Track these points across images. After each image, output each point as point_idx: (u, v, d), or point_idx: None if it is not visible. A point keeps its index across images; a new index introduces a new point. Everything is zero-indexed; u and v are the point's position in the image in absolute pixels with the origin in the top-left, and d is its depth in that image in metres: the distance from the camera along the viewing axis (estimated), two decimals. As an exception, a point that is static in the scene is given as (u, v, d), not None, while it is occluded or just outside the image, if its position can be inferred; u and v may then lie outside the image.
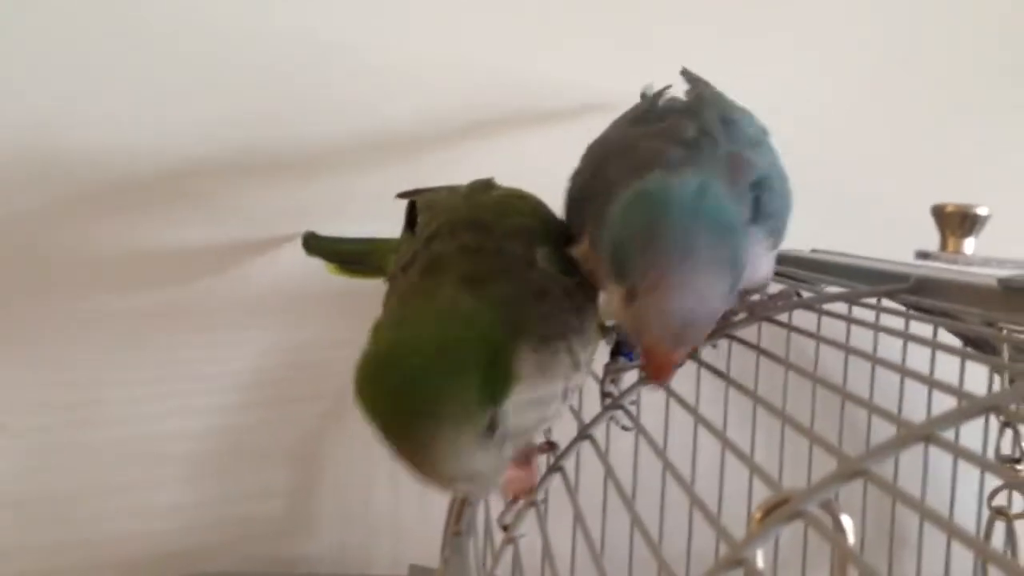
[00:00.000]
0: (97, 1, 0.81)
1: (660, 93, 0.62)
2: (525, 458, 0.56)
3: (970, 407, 0.35)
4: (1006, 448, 0.77)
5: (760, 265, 0.55)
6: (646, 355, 0.47)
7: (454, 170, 0.62)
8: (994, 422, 0.79)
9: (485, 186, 0.62)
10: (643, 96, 0.63)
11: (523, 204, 0.59)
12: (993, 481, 0.79)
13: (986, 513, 0.79)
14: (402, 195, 0.73)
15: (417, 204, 0.67)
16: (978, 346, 0.71)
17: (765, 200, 0.52)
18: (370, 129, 0.87)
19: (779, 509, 0.34)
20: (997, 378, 0.79)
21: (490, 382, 0.46)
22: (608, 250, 0.47)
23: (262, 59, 0.85)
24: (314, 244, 0.82)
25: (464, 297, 0.50)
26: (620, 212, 0.47)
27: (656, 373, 0.47)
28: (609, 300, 0.50)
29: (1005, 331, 0.56)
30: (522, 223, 0.56)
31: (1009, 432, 0.77)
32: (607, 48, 0.88)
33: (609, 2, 0.90)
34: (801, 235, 0.86)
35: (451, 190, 0.65)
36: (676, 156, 0.52)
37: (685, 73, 0.64)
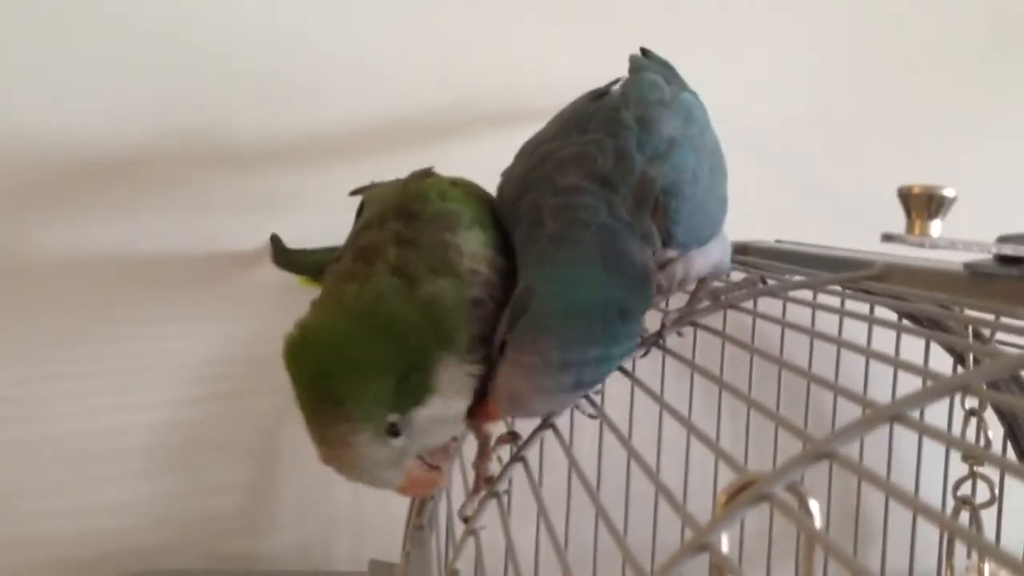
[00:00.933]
0: None
1: (604, 91, 0.62)
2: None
3: (937, 386, 0.34)
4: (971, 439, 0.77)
5: (694, 262, 0.57)
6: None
7: (437, 166, 0.62)
8: (959, 413, 0.79)
9: (422, 175, 0.61)
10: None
11: (455, 191, 0.58)
12: (957, 472, 0.79)
13: (951, 503, 0.79)
14: (354, 192, 0.72)
15: (364, 198, 0.67)
16: (943, 332, 0.71)
17: (674, 208, 0.54)
18: (346, 122, 0.86)
19: (744, 492, 0.33)
20: (961, 369, 0.79)
21: (401, 389, 0.48)
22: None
23: (236, 47, 0.83)
24: (283, 260, 0.81)
25: (393, 294, 0.50)
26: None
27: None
28: None
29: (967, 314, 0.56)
30: (451, 208, 0.55)
31: (974, 421, 0.78)
32: (587, 43, 0.87)
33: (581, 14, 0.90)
34: (767, 226, 0.87)
35: (394, 182, 0.65)
36: (592, 207, 0.53)
37: (632, 60, 0.64)
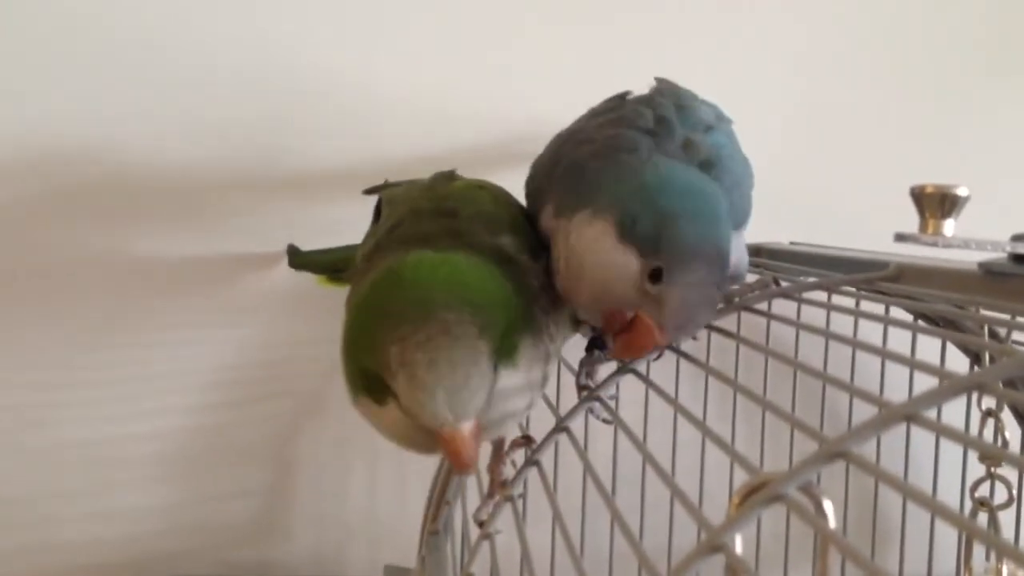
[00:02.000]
0: (95, 9, 0.80)
1: (621, 94, 0.63)
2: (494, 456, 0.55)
3: (952, 385, 0.34)
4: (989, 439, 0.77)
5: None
6: (635, 326, 0.49)
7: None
8: (976, 414, 0.79)
9: (447, 177, 0.61)
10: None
11: (484, 194, 0.58)
12: (974, 472, 0.79)
13: (969, 505, 0.79)
14: (368, 191, 0.72)
15: (382, 198, 0.66)
16: (958, 332, 0.71)
17: (720, 181, 0.54)
18: (359, 150, 0.86)
19: (758, 493, 0.33)
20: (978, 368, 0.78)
21: (502, 340, 0.45)
22: (636, 218, 0.48)
23: (263, 74, 0.84)
24: (299, 260, 0.80)
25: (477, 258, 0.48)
26: (658, 187, 0.50)
27: (637, 344, 0.50)
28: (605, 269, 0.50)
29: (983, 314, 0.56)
30: (486, 210, 0.55)
31: (991, 422, 0.77)
32: (586, 79, 0.87)
33: (581, 31, 0.90)
34: (781, 228, 0.86)
35: (412, 183, 0.64)
36: (638, 139, 0.54)
37: (657, 79, 0.64)
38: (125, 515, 0.85)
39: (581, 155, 0.55)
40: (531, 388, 0.50)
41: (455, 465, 0.45)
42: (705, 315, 0.51)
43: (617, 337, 0.51)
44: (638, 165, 0.52)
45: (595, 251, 0.50)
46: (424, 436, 0.45)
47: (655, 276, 0.48)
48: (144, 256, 0.83)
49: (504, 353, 0.46)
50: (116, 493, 0.85)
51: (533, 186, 0.59)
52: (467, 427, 0.44)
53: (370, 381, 0.46)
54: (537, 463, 0.58)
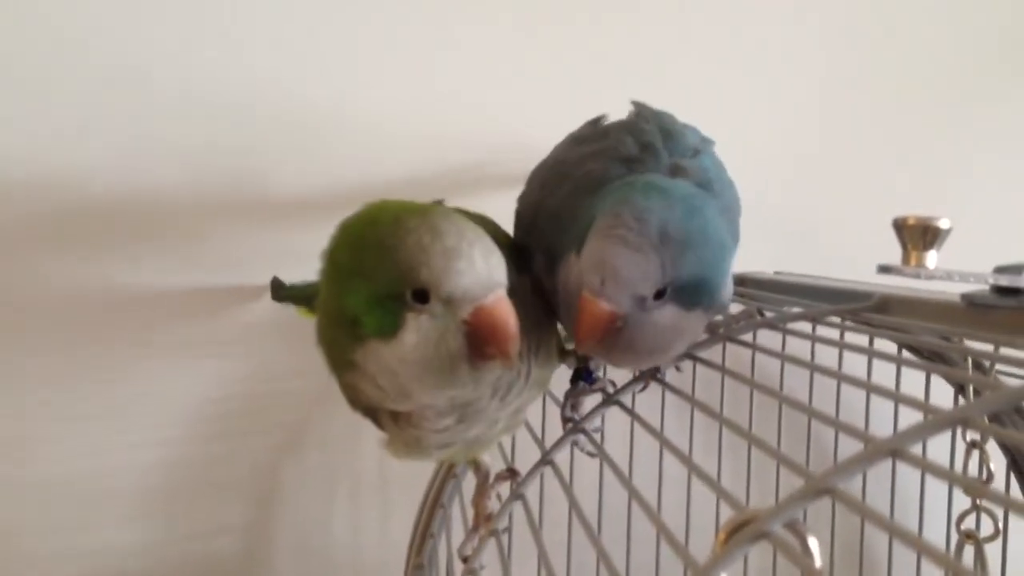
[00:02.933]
0: (78, 39, 0.79)
1: (600, 118, 0.63)
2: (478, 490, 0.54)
3: (937, 420, 0.34)
4: (973, 473, 0.76)
5: None
6: (578, 306, 0.47)
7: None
8: (960, 445, 0.79)
9: (435, 204, 0.62)
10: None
11: (471, 218, 0.58)
12: (961, 504, 0.79)
13: (955, 537, 0.78)
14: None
15: None
16: (942, 363, 0.71)
17: None
18: (343, 179, 0.86)
19: (743, 530, 0.33)
20: (962, 400, 0.78)
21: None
22: (582, 236, 0.48)
23: (242, 106, 0.83)
24: (283, 292, 0.80)
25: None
26: (600, 202, 0.50)
27: (583, 324, 0.47)
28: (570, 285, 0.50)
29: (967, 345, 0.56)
30: None
31: (976, 455, 0.77)
32: (590, 103, 0.88)
33: (563, 55, 0.91)
34: (764, 258, 0.87)
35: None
36: (613, 171, 0.54)
37: (634, 103, 0.64)
38: (106, 551, 0.83)
39: (558, 199, 0.55)
40: (525, 322, 0.50)
41: (502, 340, 0.45)
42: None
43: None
44: (605, 194, 0.51)
45: (567, 282, 0.50)
46: (450, 341, 0.45)
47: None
48: (124, 288, 0.82)
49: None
50: (96, 529, 0.83)
51: (521, 228, 0.60)
52: (505, 298, 0.45)
53: (376, 311, 0.45)
54: (522, 497, 0.58)
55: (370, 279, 0.45)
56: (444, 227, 0.44)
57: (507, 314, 0.45)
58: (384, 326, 0.45)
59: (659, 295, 0.47)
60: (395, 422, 0.53)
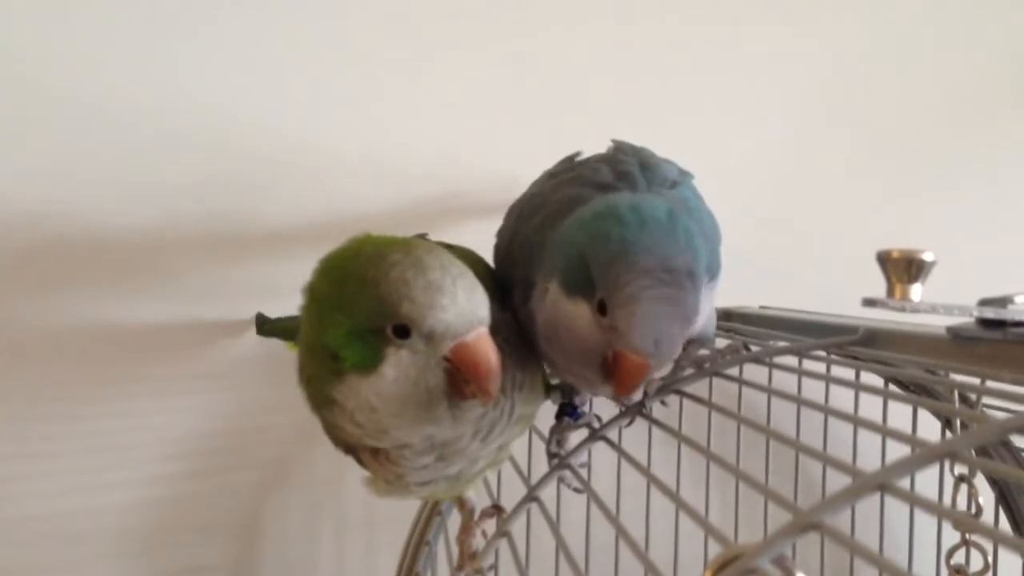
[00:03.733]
0: (63, 76, 0.79)
1: (575, 155, 0.64)
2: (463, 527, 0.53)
3: (924, 454, 0.34)
4: (962, 506, 0.76)
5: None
6: (617, 364, 0.47)
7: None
8: (949, 479, 0.78)
9: (419, 239, 0.62)
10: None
11: (451, 252, 0.58)
12: (950, 538, 0.78)
13: (945, 573, 0.78)
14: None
15: None
16: (929, 396, 0.71)
17: None
18: (327, 213, 0.86)
19: (730, 566, 0.32)
20: (950, 434, 0.78)
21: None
22: (565, 266, 0.48)
23: (226, 143, 0.83)
24: (268, 327, 0.79)
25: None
26: (581, 227, 0.49)
27: (628, 381, 0.47)
28: (569, 325, 0.49)
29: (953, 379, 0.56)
30: None
31: (964, 489, 0.76)
32: (565, 140, 0.89)
33: (547, 97, 0.92)
34: (750, 293, 0.87)
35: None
36: (586, 195, 0.54)
37: (614, 141, 0.65)
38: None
39: (531, 229, 0.55)
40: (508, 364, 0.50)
41: (483, 377, 0.44)
42: (674, 319, 0.47)
43: (610, 382, 0.50)
44: (574, 218, 0.51)
45: (557, 316, 0.49)
46: (430, 377, 0.44)
47: (602, 309, 0.47)
48: (104, 325, 0.81)
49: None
50: (76, 569, 0.81)
51: (499, 261, 0.60)
52: (487, 335, 0.44)
53: (356, 345, 0.44)
54: (507, 534, 0.57)
55: (351, 312, 0.44)
56: (428, 262, 0.43)
57: (488, 351, 0.44)
58: (364, 360, 0.45)
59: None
60: (375, 459, 0.52)
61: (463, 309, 0.43)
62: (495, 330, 0.47)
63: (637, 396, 0.57)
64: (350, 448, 0.53)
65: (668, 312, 0.46)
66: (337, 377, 0.46)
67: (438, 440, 0.50)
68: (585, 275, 0.47)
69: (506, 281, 0.57)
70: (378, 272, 0.43)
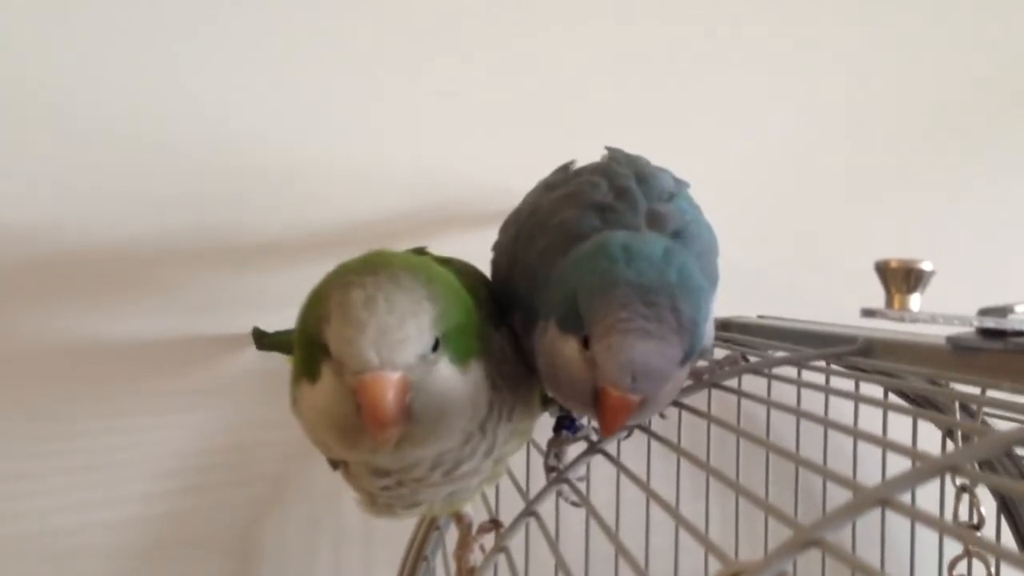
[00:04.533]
0: (54, 90, 0.79)
1: (569, 163, 0.63)
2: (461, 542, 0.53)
3: (925, 468, 0.33)
4: (964, 516, 0.75)
5: None
6: (600, 400, 0.46)
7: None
8: (951, 489, 0.78)
9: (415, 252, 0.61)
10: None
11: (449, 267, 0.57)
12: (952, 549, 0.78)
13: (947, 583, 0.77)
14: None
15: None
16: (929, 407, 0.70)
17: (689, 249, 0.52)
18: (320, 224, 0.85)
19: (730, 584, 0.32)
20: (951, 444, 0.78)
21: (452, 334, 0.45)
22: (561, 303, 0.48)
23: (222, 155, 0.83)
24: (266, 340, 0.79)
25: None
26: (575, 266, 0.49)
27: (610, 418, 0.46)
28: (563, 363, 0.48)
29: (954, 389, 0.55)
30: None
31: (966, 498, 0.76)
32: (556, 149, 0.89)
33: (541, 106, 0.91)
34: (748, 303, 0.86)
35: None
36: (585, 223, 0.53)
37: (608, 148, 0.64)
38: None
39: (532, 255, 0.54)
40: (469, 408, 0.48)
41: (370, 422, 0.42)
42: (652, 354, 0.45)
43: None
44: (571, 257, 0.50)
45: (553, 353, 0.49)
46: (344, 403, 0.43)
47: (587, 344, 0.46)
48: (98, 340, 0.81)
49: (454, 345, 0.45)
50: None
51: (498, 280, 0.59)
52: (393, 377, 0.42)
53: (308, 354, 0.45)
54: (505, 549, 0.56)
55: (304, 320, 0.45)
56: (365, 292, 0.43)
57: (379, 398, 0.42)
58: (308, 367, 0.45)
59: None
60: (347, 472, 0.53)
61: (365, 349, 0.42)
62: (492, 340, 0.47)
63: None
64: (333, 462, 0.54)
65: (645, 347, 0.45)
66: (296, 380, 0.47)
67: (382, 467, 0.50)
68: (575, 312, 0.47)
69: (506, 300, 0.57)
70: (330, 287, 0.44)
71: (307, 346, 0.45)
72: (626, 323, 0.45)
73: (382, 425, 0.42)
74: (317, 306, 0.44)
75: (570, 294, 0.47)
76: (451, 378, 0.45)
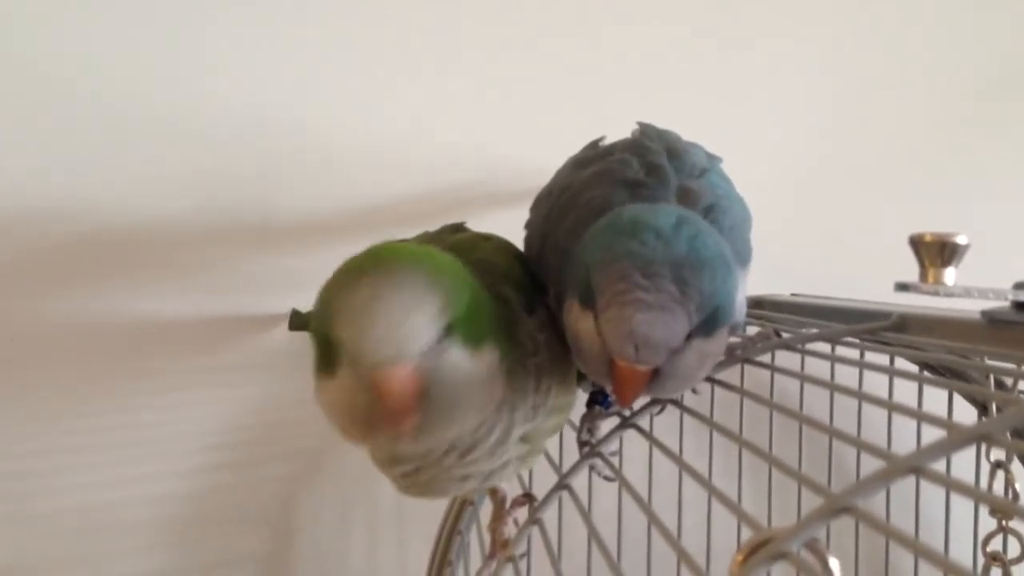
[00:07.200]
0: (79, 70, 0.79)
1: (598, 140, 0.63)
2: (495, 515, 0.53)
3: (958, 437, 0.33)
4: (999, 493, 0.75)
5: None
6: (612, 371, 0.47)
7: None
8: (985, 465, 0.77)
9: (453, 229, 0.62)
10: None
11: (487, 244, 0.58)
12: (986, 526, 0.77)
13: (981, 560, 0.77)
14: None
15: None
16: (964, 381, 0.70)
17: (719, 224, 0.52)
18: (352, 204, 0.86)
19: (761, 550, 0.32)
20: (985, 419, 0.77)
21: (463, 320, 0.45)
22: (579, 279, 0.48)
23: (250, 134, 0.84)
24: (300, 321, 0.80)
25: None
26: (591, 240, 0.49)
27: (621, 389, 0.47)
28: (582, 337, 0.49)
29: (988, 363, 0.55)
30: (486, 259, 0.55)
31: (1001, 475, 0.76)
32: (578, 129, 0.89)
33: (574, 85, 0.91)
34: (781, 281, 0.86)
35: (423, 234, 0.65)
36: (614, 199, 0.53)
37: (640, 123, 0.64)
38: (122, 583, 0.83)
39: (562, 232, 0.54)
40: (485, 390, 0.48)
41: (387, 414, 0.43)
42: (653, 325, 0.45)
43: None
44: (592, 235, 0.50)
45: (576, 329, 0.49)
46: (368, 402, 0.43)
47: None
48: (138, 318, 0.82)
49: (464, 330, 0.45)
50: (113, 561, 0.82)
51: (531, 259, 0.59)
52: (403, 371, 0.43)
53: (323, 350, 0.45)
54: (539, 522, 0.57)
55: (317, 316, 0.45)
56: (372, 286, 0.43)
57: (394, 391, 0.42)
58: (325, 362, 0.45)
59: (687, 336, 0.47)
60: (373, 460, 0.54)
61: (375, 346, 0.42)
62: (523, 326, 0.49)
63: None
64: None
65: (643, 318, 0.45)
66: (316, 373, 0.47)
67: (401, 455, 0.51)
68: (590, 287, 0.47)
69: (539, 277, 0.57)
70: (339, 281, 0.44)
71: (322, 342, 0.45)
72: (623, 295, 0.45)
73: (399, 416, 0.43)
74: (326, 304, 0.44)
75: (584, 270, 0.48)
76: (465, 362, 0.46)
